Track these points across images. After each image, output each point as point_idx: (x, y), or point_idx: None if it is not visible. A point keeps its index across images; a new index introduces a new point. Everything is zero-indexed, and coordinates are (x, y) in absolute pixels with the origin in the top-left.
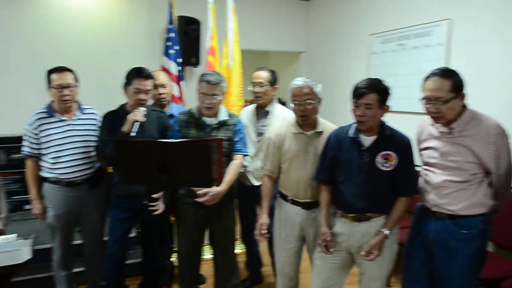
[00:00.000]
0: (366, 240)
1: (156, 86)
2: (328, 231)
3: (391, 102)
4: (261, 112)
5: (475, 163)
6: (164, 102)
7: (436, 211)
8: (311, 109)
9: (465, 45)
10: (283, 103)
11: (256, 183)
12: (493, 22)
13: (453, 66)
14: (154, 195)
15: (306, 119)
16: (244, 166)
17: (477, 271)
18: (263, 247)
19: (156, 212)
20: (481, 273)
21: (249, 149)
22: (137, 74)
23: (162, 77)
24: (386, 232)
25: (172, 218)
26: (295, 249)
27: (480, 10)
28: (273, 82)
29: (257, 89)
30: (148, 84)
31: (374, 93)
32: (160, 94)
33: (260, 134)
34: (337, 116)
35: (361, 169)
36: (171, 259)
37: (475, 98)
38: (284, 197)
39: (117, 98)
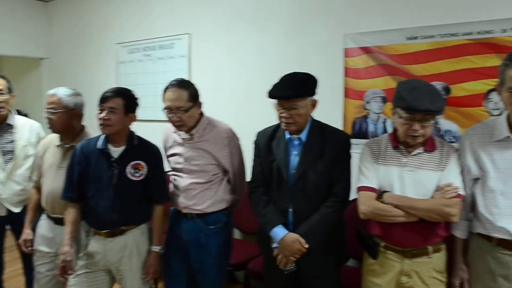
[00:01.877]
0: (123, 254)
1: None
2: (70, 251)
3: (140, 110)
4: (1, 127)
5: (214, 164)
6: None
7: (186, 212)
8: (54, 119)
9: (202, 57)
10: (25, 114)
11: (15, 209)
12: (222, 37)
13: (193, 76)
14: None
15: (51, 127)
16: None
17: (227, 258)
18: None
19: None
20: (231, 259)
21: None
22: None
23: None
24: (156, 249)
25: None
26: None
27: (212, 27)
28: (11, 89)
29: None
30: None
31: (119, 97)
32: None
33: (6, 153)
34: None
35: (112, 181)
36: None
37: (211, 105)
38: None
39: None
